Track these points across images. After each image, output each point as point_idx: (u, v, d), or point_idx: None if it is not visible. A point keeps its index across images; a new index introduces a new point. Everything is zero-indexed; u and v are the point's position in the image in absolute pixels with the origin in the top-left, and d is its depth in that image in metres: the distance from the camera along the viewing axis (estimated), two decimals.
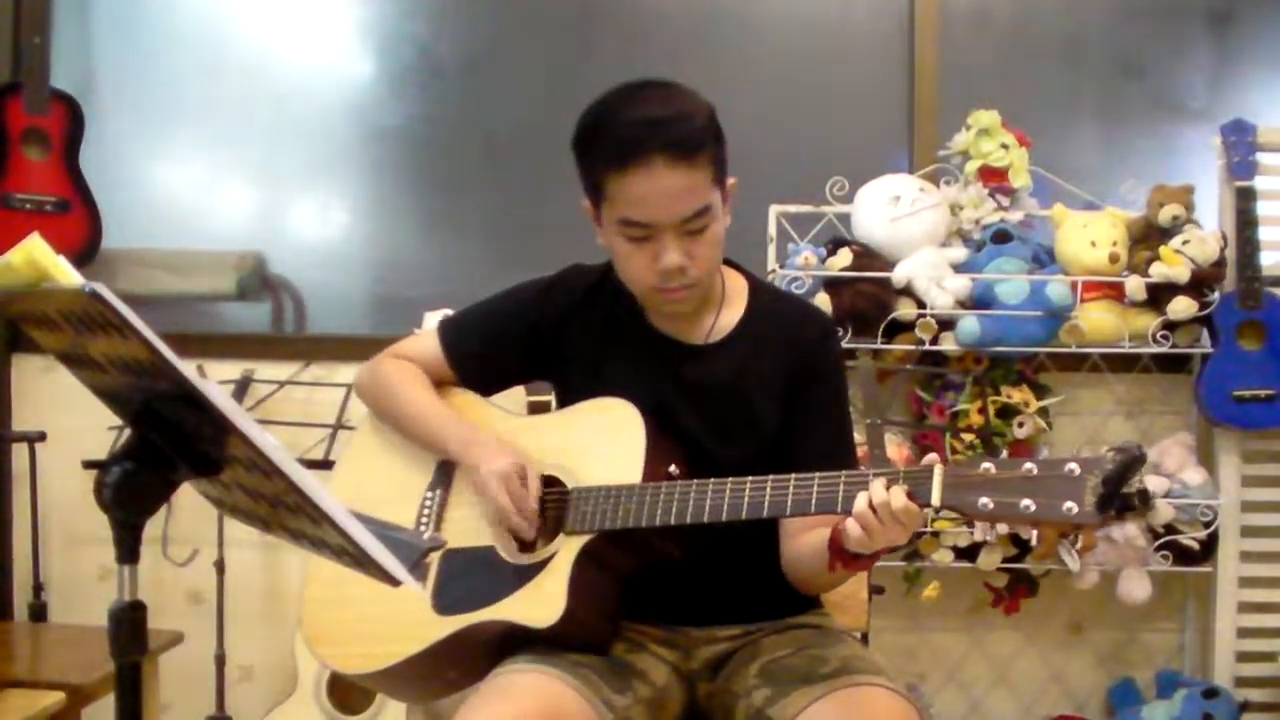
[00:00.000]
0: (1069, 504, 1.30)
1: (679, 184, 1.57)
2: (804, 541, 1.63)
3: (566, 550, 1.61)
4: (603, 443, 1.67)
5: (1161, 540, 2.87)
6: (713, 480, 1.55)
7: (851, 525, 1.44)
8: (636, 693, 1.61)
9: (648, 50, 3.23)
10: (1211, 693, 2.85)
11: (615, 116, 1.60)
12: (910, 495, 1.41)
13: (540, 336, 1.78)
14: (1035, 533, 2.81)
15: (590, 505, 1.61)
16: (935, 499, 1.38)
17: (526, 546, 1.67)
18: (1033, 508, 1.32)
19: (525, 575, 1.62)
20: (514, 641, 1.60)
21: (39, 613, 2.73)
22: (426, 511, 1.76)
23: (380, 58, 3.33)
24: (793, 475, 1.49)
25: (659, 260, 1.61)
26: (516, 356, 1.81)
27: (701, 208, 1.60)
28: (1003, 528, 2.79)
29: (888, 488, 1.41)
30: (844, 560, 1.52)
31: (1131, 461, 1.27)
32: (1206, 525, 2.88)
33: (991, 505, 1.34)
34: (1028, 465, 1.33)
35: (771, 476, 1.50)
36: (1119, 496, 1.29)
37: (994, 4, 3.28)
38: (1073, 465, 1.31)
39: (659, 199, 1.57)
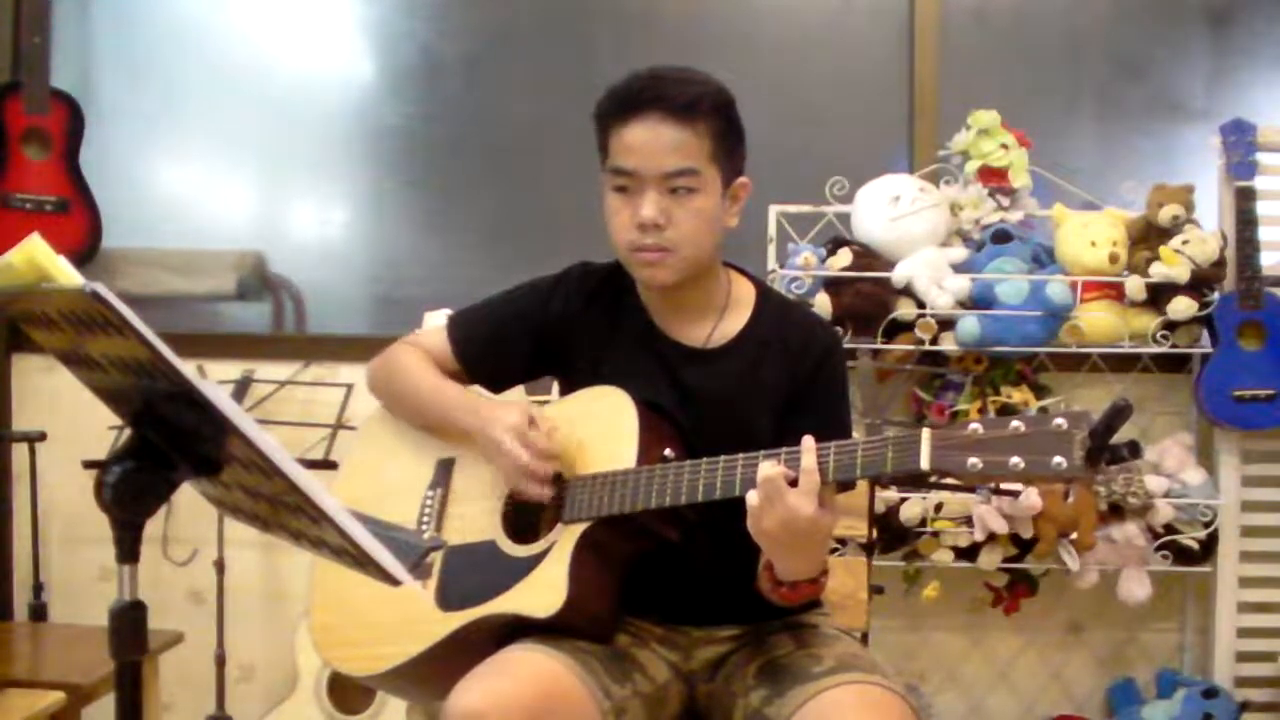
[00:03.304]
0: (1058, 458, 1.30)
1: (669, 138, 1.61)
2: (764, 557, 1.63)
3: (565, 539, 1.61)
4: (596, 431, 1.67)
5: (1161, 540, 2.88)
6: (705, 459, 1.55)
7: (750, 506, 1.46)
8: (636, 685, 1.62)
9: (648, 50, 3.22)
10: (1211, 693, 2.85)
11: (628, 77, 1.66)
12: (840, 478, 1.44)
13: (546, 333, 1.79)
14: (1034, 526, 2.81)
15: (587, 493, 1.62)
16: (925, 463, 1.37)
17: (527, 538, 1.67)
18: (1021, 465, 1.32)
19: (526, 567, 1.63)
20: (519, 633, 1.60)
21: (39, 613, 2.73)
22: (427, 511, 1.77)
23: (381, 57, 3.33)
24: (783, 449, 1.49)
25: (637, 214, 1.62)
26: (523, 353, 1.81)
27: (687, 168, 1.62)
28: (1002, 525, 2.79)
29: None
30: (773, 583, 1.55)
31: (1117, 413, 1.27)
32: (1206, 525, 2.88)
33: (981, 465, 1.34)
34: (1015, 423, 1.33)
35: (764, 451, 1.50)
36: (1107, 449, 1.29)
37: (994, 4, 3.28)
38: (1060, 420, 1.31)
39: (646, 148, 1.61)
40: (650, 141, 1.61)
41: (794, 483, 1.43)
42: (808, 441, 1.44)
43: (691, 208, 1.63)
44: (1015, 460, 1.32)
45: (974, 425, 1.36)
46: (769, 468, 1.44)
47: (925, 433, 1.38)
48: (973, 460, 1.34)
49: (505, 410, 1.69)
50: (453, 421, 1.77)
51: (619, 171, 1.64)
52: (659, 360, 1.73)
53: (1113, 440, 1.29)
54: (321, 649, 1.79)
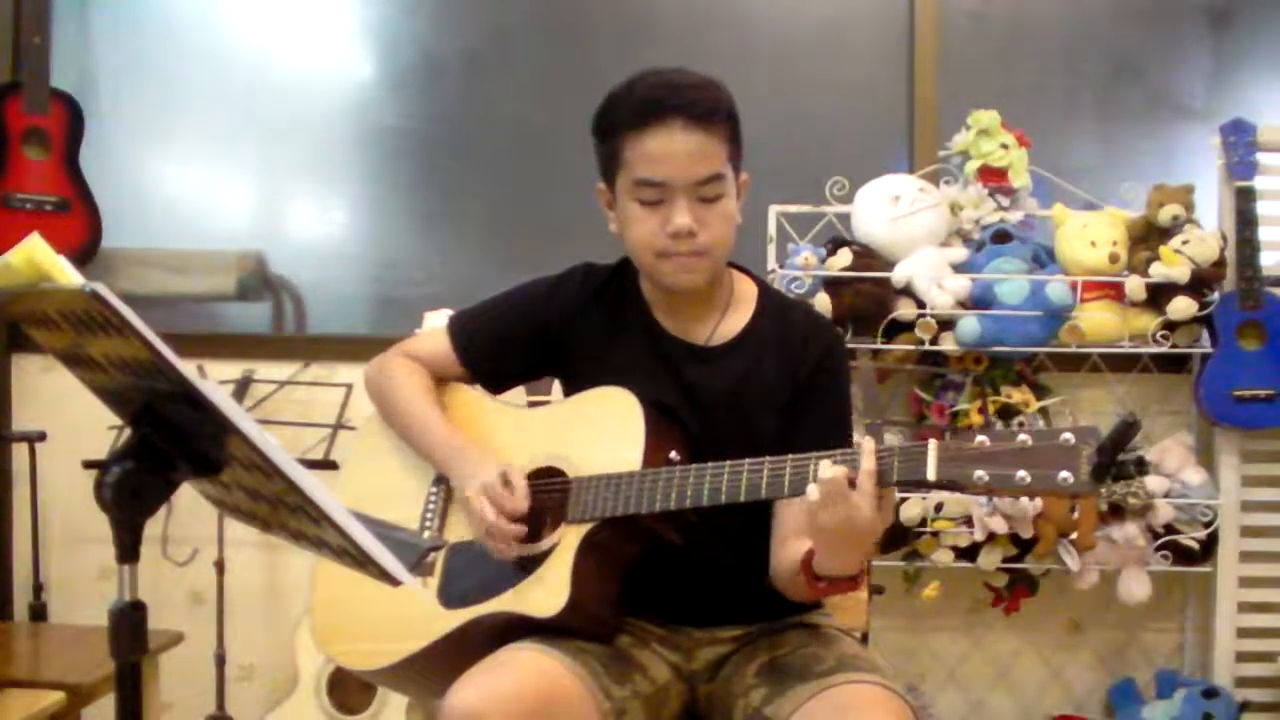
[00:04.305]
0: (1064, 473, 1.30)
1: (695, 145, 1.61)
2: (787, 552, 1.63)
3: (569, 539, 1.61)
4: (602, 432, 1.67)
5: (1161, 540, 2.88)
6: (711, 463, 1.55)
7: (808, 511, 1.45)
8: (635, 686, 1.62)
9: (648, 50, 3.23)
10: (1211, 693, 2.85)
11: (636, 85, 1.65)
12: (881, 473, 1.41)
13: (548, 334, 1.80)
14: (1034, 526, 2.81)
15: (591, 494, 1.62)
16: (931, 474, 1.37)
17: (530, 537, 1.67)
18: (1028, 479, 1.32)
19: (529, 566, 1.63)
20: (520, 632, 1.60)
21: (39, 613, 2.73)
22: (431, 508, 1.77)
23: (380, 58, 3.33)
24: (790, 456, 1.49)
25: (670, 222, 1.62)
26: (525, 353, 1.82)
27: (716, 174, 1.63)
28: (1002, 525, 2.79)
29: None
30: (811, 577, 1.53)
31: (1126, 429, 1.27)
32: (1206, 525, 2.88)
33: (987, 478, 1.34)
34: (1022, 437, 1.33)
35: (769, 458, 1.51)
36: (1114, 464, 1.29)
37: (994, 4, 3.28)
38: (1067, 435, 1.31)
39: (675, 158, 1.61)
40: (677, 150, 1.61)
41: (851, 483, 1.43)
42: (868, 444, 1.44)
43: (720, 212, 1.65)
44: (1021, 474, 1.32)
45: (980, 437, 1.36)
46: (829, 467, 1.43)
47: (931, 444, 1.38)
48: (979, 473, 1.34)
49: (481, 466, 1.67)
50: (430, 458, 1.78)
51: (646, 183, 1.63)
52: (662, 358, 1.74)
53: (1119, 456, 1.29)
54: (323, 643, 1.79)
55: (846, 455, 1.45)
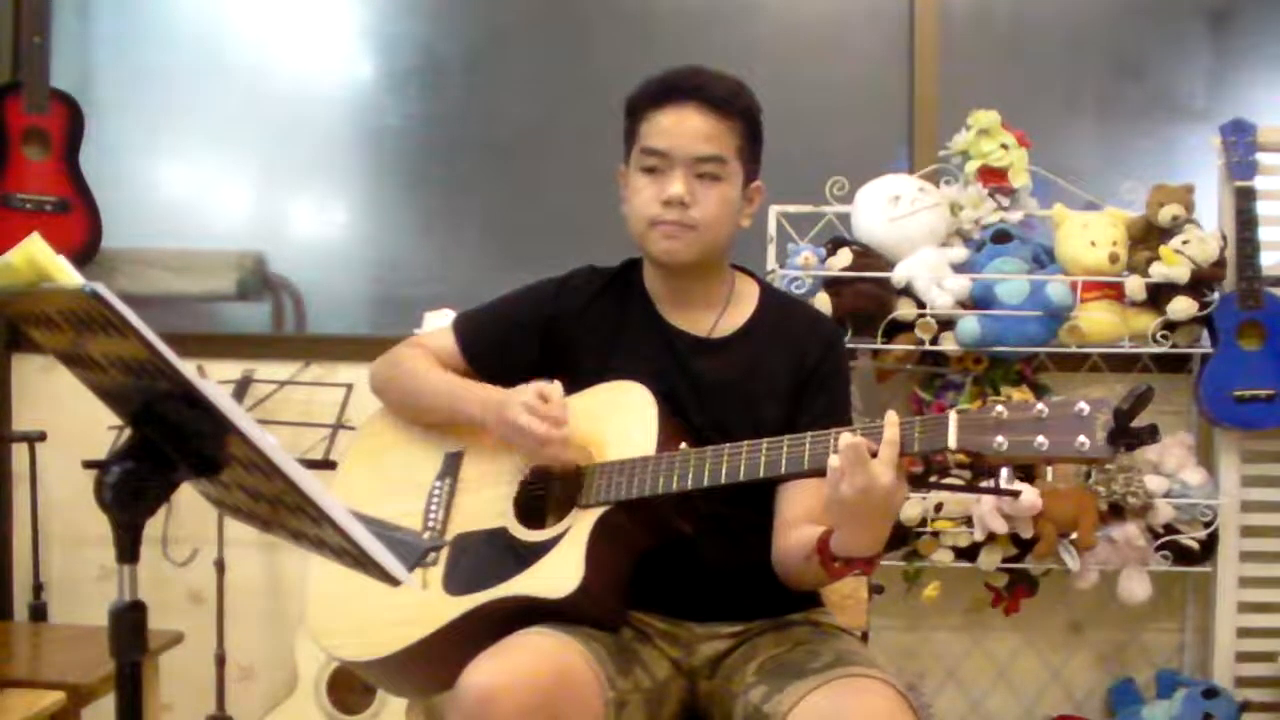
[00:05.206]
0: (1081, 438, 1.33)
1: (703, 127, 1.69)
2: (795, 538, 1.64)
3: (582, 523, 1.62)
4: (616, 422, 1.69)
5: (1161, 540, 2.88)
6: (728, 445, 1.57)
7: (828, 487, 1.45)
8: (637, 680, 1.62)
9: (648, 50, 3.23)
10: (1211, 693, 2.85)
11: (667, 71, 1.74)
12: (903, 451, 1.43)
13: (552, 332, 1.82)
14: (1035, 522, 2.81)
15: (605, 479, 1.64)
16: (951, 441, 1.40)
17: (538, 526, 1.68)
18: (1046, 445, 1.35)
19: (539, 551, 1.64)
20: (528, 618, 1.60)
21: (39, 613, 2.73)
22: (435, 500, 1.77)
23: (380, 58, 3.33)
24: (808, 434, 1.51)
25: (664, 191, 1.69)
26: (529, 352, 1.83)
27: (717, 155, 1.70)
28: (1002, 525, 2.78)
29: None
30: (827, 558, 1.53)
31: (1140, 397, 1.31)
32: (1206, 525, 2.88)
33: (1006, 444, 1.37)
34: (1039, 407, 1.37)
35: (788, 436, 1.53)
36: (1129, 431, 1.32)
37: (994, 4, 3.28)
38: (1082, 405, 1.35)
39: (680, 132, 1.69)
40: (684, 127, 1.69)
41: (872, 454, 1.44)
42: (891, 415, 1.46)
43: (717, 195, 1.70)
44: (1040, 440, 1.35)
45: (998, 408, 1.39)
46: (849, 436, 1.45)
47: (951, 413, 1.41)
48: (999, 439, 1.37)
49: (515, 391, 1.70)
50: (461, 412, 1.78)
51: (650, 152, 1.70)
52: (668, 351, 1.77)
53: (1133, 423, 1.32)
54: (319, 635, 1.78)
55: (868, 429, 1.47)
